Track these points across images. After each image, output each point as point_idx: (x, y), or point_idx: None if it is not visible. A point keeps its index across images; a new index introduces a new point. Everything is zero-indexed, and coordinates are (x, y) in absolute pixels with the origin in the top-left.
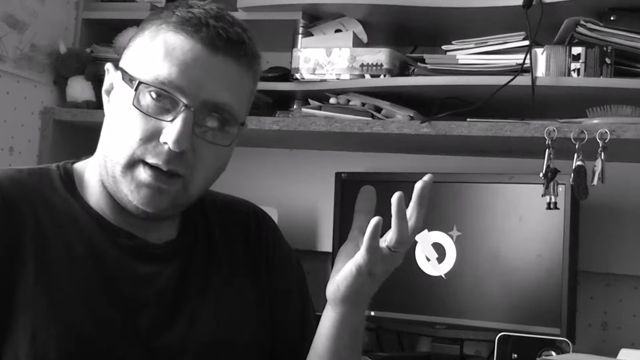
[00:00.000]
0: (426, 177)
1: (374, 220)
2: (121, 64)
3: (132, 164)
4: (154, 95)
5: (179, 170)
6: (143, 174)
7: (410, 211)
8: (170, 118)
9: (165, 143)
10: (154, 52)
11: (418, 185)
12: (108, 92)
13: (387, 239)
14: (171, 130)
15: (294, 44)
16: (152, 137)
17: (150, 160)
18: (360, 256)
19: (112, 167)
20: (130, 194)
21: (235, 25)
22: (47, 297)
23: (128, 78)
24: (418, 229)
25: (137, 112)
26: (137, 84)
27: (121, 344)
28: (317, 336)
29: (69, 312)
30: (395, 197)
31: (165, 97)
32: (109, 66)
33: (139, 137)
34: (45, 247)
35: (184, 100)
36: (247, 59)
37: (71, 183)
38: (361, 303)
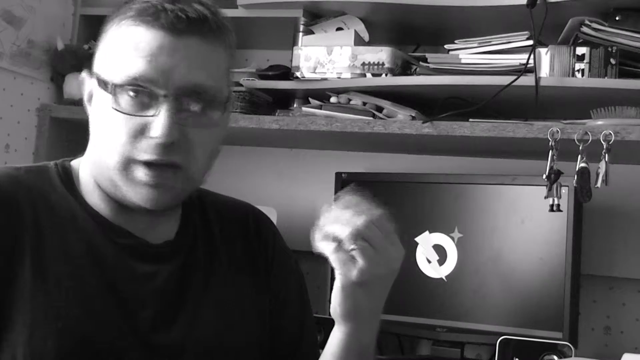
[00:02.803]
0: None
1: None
2: (94, 70)
3: (126, 165)
4: (131, 94)
5: (176, 159)
6: (140, 173)
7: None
8: (152, 112)
9: (153, 137)
10: (120, 51)
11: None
12: (89, 100)
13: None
14: (157, 123)
15: (294, 42)
16: (139, 134)
17: (143, 157)
18: (335, 269)
19: (107, 173)
20: (133, 195)
21: (195, 3)
22: (45, 295)
23: (103, 83)
24: (372, 227)
25: (120, 114)
26: (112, 87)
27: (119, 342)
28: (323, 356)
29: (67, 310)
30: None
31: (142, 93)
32: (84, 75)
33: (127, 137)
34: (43, 245)
35: (161, 92)
36: (213, 34)
37: (70, 181)
38: (365, 320)
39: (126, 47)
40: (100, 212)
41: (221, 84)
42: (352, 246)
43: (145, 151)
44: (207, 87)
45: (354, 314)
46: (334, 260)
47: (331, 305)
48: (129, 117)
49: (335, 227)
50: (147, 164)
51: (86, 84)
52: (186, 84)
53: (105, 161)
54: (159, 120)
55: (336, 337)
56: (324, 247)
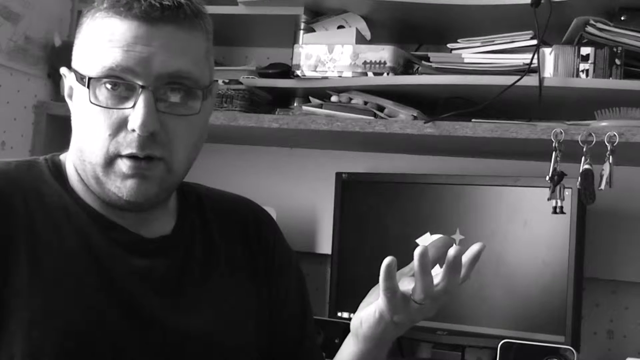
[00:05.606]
0: (461, 248)
1: (386, 260)
2: (72, 65)
3: (110, 162)
4: (108, 86)
5: (156, 153)
6: (123, 166)
7: (443, 273)
8: (130, 104)
9: (133, 130)
10: (95, 44)
11: (450, 252)
12: (70, 96)
13: (414, 291)
14: (135, 115)
15: (295, 40)
16: (119, 128)
17: (125, 151)
18: (382, 301)
19: (92, 170)
20: (117, 189)
21: None
22: (42, 292)
23: (80, 77)
24: (449, 291)
25: (98, 109)
26: (87, 81)
27: (117, 337)
28: None
29: (64, 306)
30: (417, 252)
31: (120, 85)
32: (64, 71)
33: (108, 132)
34: (39, 241)
35: (138, 82)
36: (189, 20)
37: (60, 175)
38: (384, 343)
39: (101, 40)
40: (93, 206)
41: (202, 68)
42: (419, 302)
43: (126, 145)
44: (188, 73)
45: (377, 338)
46: (388, 298)
47: (355, 322)
48: (108, 110)
49: (408, 282)
50: (129, 157)
51: (66, 80)
52: (164, 72)
53: (90, 159)
54: (137, 112)
55: (350, 351)
56: (388, 284)
